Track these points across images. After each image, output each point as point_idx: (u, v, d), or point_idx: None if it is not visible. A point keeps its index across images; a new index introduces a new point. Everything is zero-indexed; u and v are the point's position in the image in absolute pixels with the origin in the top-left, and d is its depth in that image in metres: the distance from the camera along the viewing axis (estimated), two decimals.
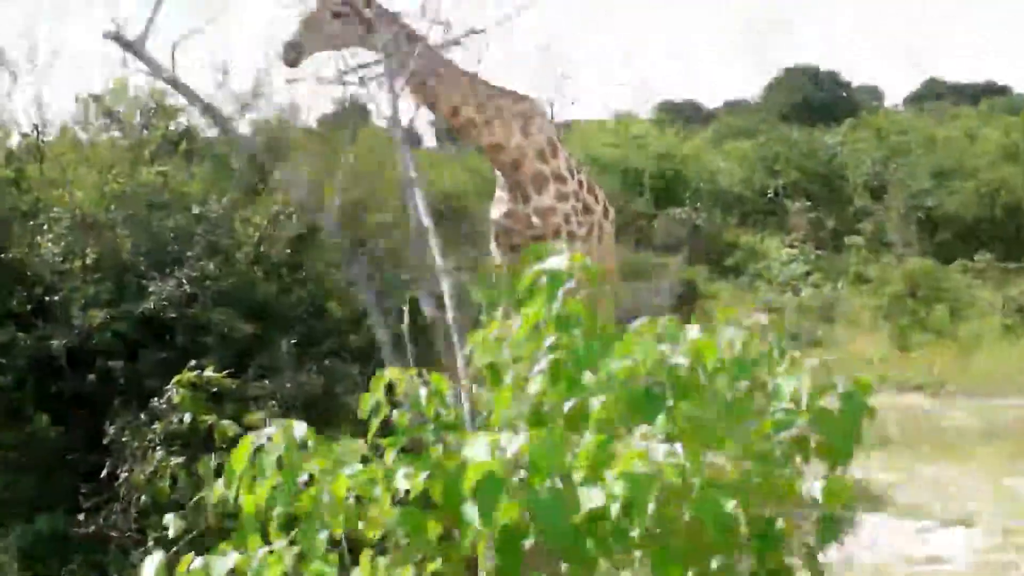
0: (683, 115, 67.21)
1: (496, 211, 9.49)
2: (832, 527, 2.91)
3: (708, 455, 2.51)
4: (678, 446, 2.42)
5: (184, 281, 7.89)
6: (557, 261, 2.96)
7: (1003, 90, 69.50)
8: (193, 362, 6.54)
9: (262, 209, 8.14)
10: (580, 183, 9.61)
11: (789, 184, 32.52)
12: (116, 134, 9.26)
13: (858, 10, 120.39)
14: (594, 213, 9.74)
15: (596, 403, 2.61)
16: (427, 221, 3.84)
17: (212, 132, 9.71)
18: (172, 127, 9.18)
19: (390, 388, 3.04)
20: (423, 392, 3.03)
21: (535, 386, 2.78)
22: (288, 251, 7.59)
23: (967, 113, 48.89)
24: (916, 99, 73.30)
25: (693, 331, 2.90)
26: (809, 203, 30.90)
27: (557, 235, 9.33)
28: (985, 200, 29.96)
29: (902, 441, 12.00)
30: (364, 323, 7.21)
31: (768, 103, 64.79)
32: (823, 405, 2.99)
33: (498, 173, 9.44)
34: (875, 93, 76.66)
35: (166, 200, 8.24)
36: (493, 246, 9.63)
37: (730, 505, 2.44)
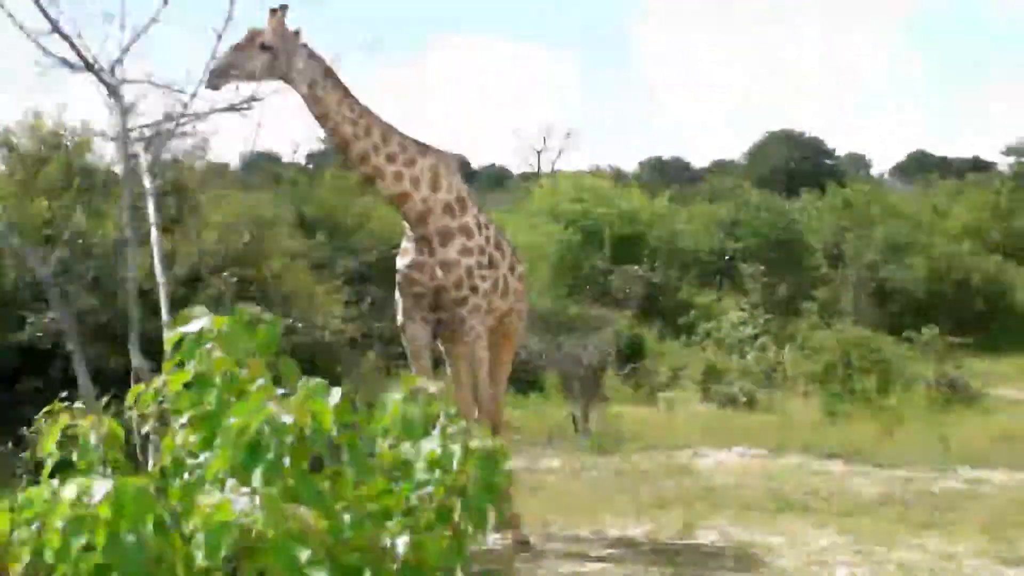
0: (668, 173, 67.84)
1: (401, 261, 9.76)
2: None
3: (300, 508, 2.72)
4: (257, 498, 2.64)
5: (62, 315, 8.10)
6: (198, 323, 3.19)
7: (987, 166, 70.08)
8: (64, 393, 6.76)
9: (147, 247, 8.33)
10: (487, 239, 9.90)
11: (747, 248, 32.93)
12: (15, 166, 9.47)
13: (858, 80, 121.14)
14: (499, 268, 10.02)
15: (209, 457, 2.84)
16: (160, 276, 4.08)
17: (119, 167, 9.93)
18: (74, 161, 9.39)
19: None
20: (93, 436, 3.26)
21: (179, 438, 3.01)
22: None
23: (946, 188, 49.34)
24: (902, 170, 73.96)
25: (335, 395, 3.11)
26: (763, 268, 31.30)
27: (459, 287, 9.61)
28: (936, 275, 30.36)
29: (798, 506, 12.24)
30: None
31: (750, 166, 65.35)
32: (461, 471, 3.18)
33: (405, 224, 9.70)
34: (861, 162, 77.20)
35: (52, 234, 8.47)
36: (397, 294, 9.89)
37: (304, 555, 2.65)
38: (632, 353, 24.83)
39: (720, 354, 25.79)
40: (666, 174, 67.74)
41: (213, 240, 7.53)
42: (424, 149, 9.70)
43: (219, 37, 9.23)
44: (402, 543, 2.93)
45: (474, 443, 3.25)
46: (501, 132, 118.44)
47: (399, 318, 9.88)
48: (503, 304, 10.10)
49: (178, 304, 7.35)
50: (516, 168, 67.55)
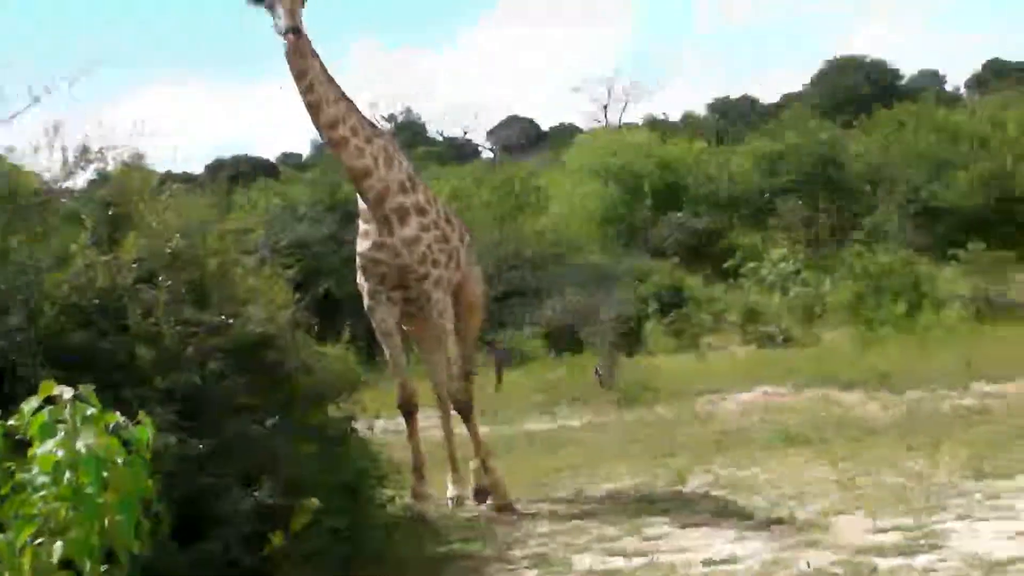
0: (736, 113, 66.88)
1: (363, 244, 10.00)
2: None
3: None
4: None
5: None
6: None
7: None
8: None
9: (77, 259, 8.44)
10: (439, 213, 10.15)
11: (788, 183, 32.73)
12: None
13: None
14: (451, 242, 10.27)
15: None
16: None
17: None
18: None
19: None
20: None
21: None
22: (98, 301, 8.00)
23: (1006, 97, 47.89)
24: (978, 82, 71.84)
25: None
26: (801, 202, 31.12)
27: (423, 263, 9.87)
28: (981, 190, 29.97)
29: (801, 440, 12.37)
30: (171, 367, 7.69)
31: (816, 96, 63.96)
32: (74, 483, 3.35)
33: (362, 207, 9.95)
34: (934, 78, 74.83)
35: None
36: (360, 279, 10.15)
37: None
38: (673, 302, 24.89)
39: (762, 294, 25.78)
40: (734, 114, 66.79)
41: (144, 248, 7.79)
42: (375, 129, 9.96)
43: None
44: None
45: (85, 445, 3.41)
46: (569, 88, 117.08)
47: (366, 302, 10.11)
48: (457, 276, 10.36)
49: (111, 315, 7.67)
50: (585, 124, 66.81)
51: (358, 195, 9.86)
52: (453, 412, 10.48)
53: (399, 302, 9.98)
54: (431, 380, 10.84)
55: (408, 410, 10.14)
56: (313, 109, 9.35)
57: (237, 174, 46.16)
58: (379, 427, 10.11)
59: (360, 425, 9.25)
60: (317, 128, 9.51)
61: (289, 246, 21.39)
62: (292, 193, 28.11)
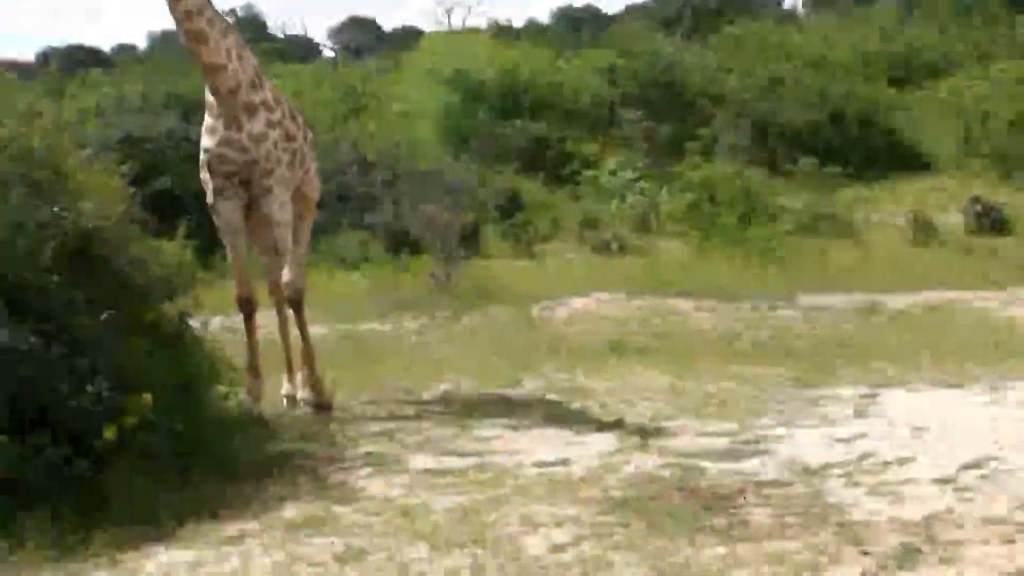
0: (580, 22, 66.79)
1: (209, 140, 9.82)
2: None
3: None
4: None
5: None
6: None
7: None
8: None
9: None
10: (283, 111, 10.03)
11: (628, 94, 32.99)
12: None
13: None
14: (296, 140, 10.17)
15: None
16: None
17: None
18: None
19: None
20: None
21: None
22: None
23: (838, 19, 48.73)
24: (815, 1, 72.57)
25: None
26: (641, 112, 31.42)
27: (268, 160, 9.76)
28: (812, 108, 30.66)
29: (633, 347, 12.62)
30: None
31: (660, 8, 64.18)
32: None
33: (209, 102, 9.75)
34: None
35: None
36: (205, 175, 9.97)
37: None
38: (512, 208, 24.99)
39: (599, 202, 26.03)
40: (578, 23, 66.69)
41: None
42: (229, 24, 9.78)
43: None
44: None
45: None
46: None
47: (210, 198, 9.97)
48: (300, 174, 10.28)
49: None
50: (427, 27, 66.03)
51: (207, 90, 9.65)
52: (288, 312, 10.41)
53: (243, 199, 9.85)
54: (268, 278, 10.75)
55: (247, 308, 10.05)
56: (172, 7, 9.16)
57: (70, 64, 44.76)
58: (216, 325, 10.04)
59: (196, 323, 9.17)
60: (175, 18, 9.29)
61: (124, 140, 21.06)
62: (128, 86, 27.35)
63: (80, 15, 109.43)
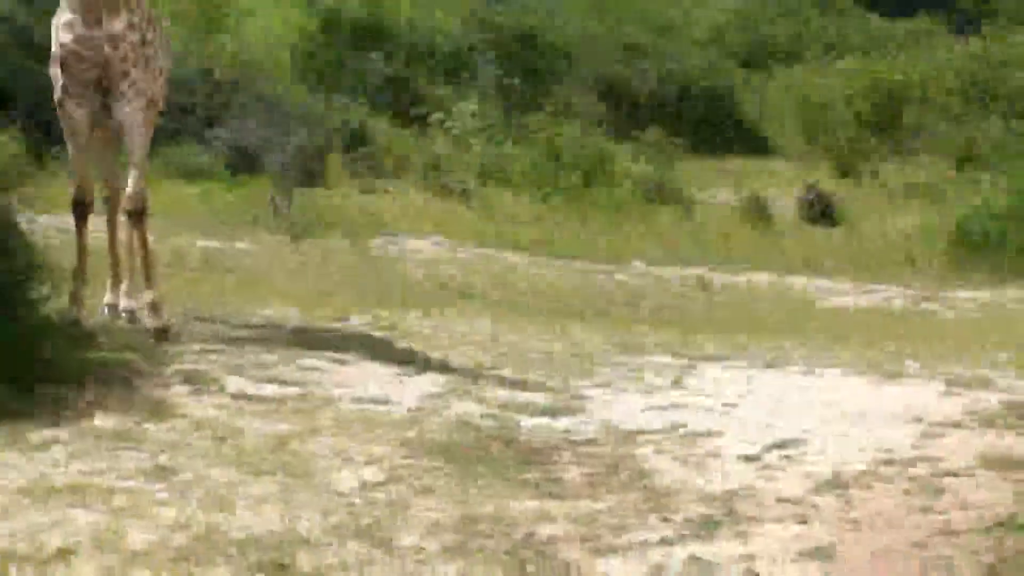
0: None
1: (65, 35, 9.46)
2: None
3: None
4: None
5: None
6: None
7: None
8: None
9: None
10: (143, 14, 9.75)
11: (485, 40, 32.89)
12: None
13: None
14: (152, 45, 9.90)
15: None
16: None
17: None
18: None
19: None
20: None
21: None
22: None
23: None
24: None
25: None
26: (495, 60, 31.37)
27: (124, 62, 9.47)
28: (666, 79, 31.03)
29: (464, 293, 12.70)
30: None
31: None
32: None
33: None
34: None
35: None
36: (56, 71, 9.64)
37: None
38: (359, 143, 24.79)
39: (447, 146, 25.96)
40: None
41: None
42: None
43: None
44: None
45: None
46: None
47: (57, 95, 9.65)
48: (154, 83, 10.02)
49: None
50: None
51: None
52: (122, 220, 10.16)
53: (95, 101, 9.56)
54: (109, 183, 10.44)
55: (82, 211, 9.78)
56: None
57: None
58: (44, 224, 9.78)
59: (22, 221, 8.92)
60: None
61: None
62: None
63: None
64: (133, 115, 9.66)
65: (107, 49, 9.39)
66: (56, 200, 10.03)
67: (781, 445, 7.56)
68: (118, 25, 9.41)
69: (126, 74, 9.52)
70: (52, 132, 9.82)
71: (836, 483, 6.89)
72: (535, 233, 17.65)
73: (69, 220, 9.99)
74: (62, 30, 9.49)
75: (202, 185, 19.11)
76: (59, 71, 9.56)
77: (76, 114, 9.57)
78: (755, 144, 30.87)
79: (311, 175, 20.30)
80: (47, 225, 10.38)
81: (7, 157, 9.53)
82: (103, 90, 9.56)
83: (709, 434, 7.79)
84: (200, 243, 14.35)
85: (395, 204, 20.58)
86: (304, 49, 31.28)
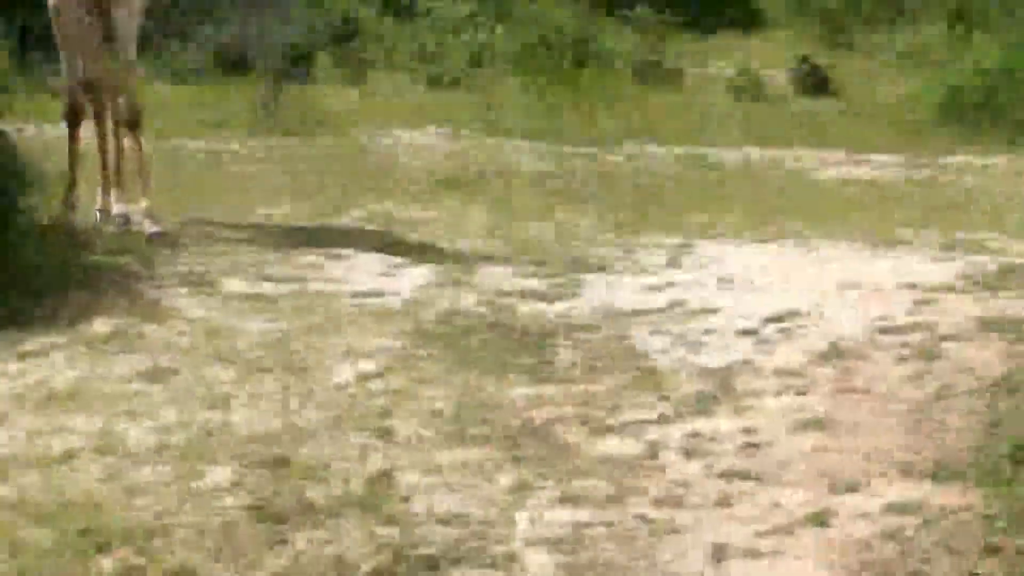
0: None
1: None
2: None
3: None
4: None
5: None
6: None
7: None
8: None
9: None
10: None
11: None
12: None
13: None
14: None
15: None
16: None
17: None
18: None
19: None
20: None
21: None
22: None
23: None
24: None
25: None
26: None
27: None
28: None
29: (460, 183, 12.61)
30: None
31: None
32: None
33: None
34: None
35: None
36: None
37: None
38: (346, 35, 24.50)
39: (434, 34, 25.66)
40: None
41: None
42: None
43: None
44: None
45: None
46: None
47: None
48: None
49: None
50: None
51: None
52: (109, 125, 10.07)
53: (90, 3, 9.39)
54: (99, 85, 10.29)
55: (75, 118, 9.72)
56: None
57: None
58: (32, 133, 9.71)
59: (9, 129, 8.87)
60: None
61: None
62: None
63: None
64: (131, 17, 9.52)
65: None
66: (43, 108, 9.94)
67: (778, 318, 7.58)
68: None
69: None
70: (34, 38, 9.67)
71: (833, 353, 6.93)
72: (528, 119, 17.46)
73: (56, 129, 9.93)
74: None
75: (191, 86, 18.95)
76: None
77: (75, 18, 9.39)
78: (744, 17, 30.35)
79: (299, 70, 20.10)
80: (35, 134, 10.30)
81: None
82: None
83: (705, 311, 7.81)
84: (191, 144, 14.25)
85: (385, 96, 20.41)
86: None
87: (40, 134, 11.28)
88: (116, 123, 10.03)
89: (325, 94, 19.67)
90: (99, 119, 10.27)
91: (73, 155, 9.83)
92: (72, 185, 9.76)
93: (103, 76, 10.28)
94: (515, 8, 26.50)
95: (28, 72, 14.71)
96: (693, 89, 21.86)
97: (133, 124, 9.86)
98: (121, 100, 9.83)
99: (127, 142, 9.99)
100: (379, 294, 8.13)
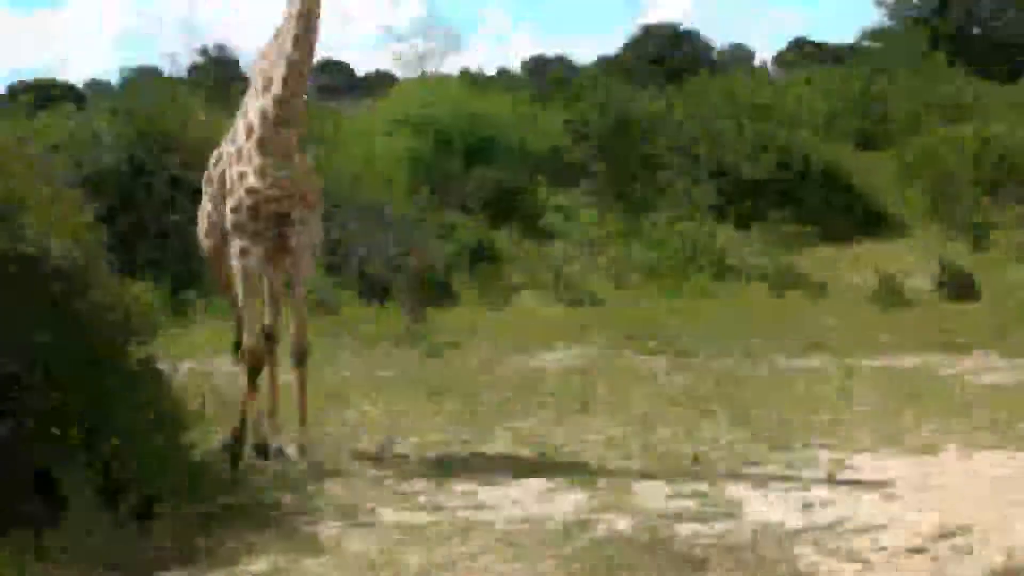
0: (551, 70, 67.28)
1: (259, 181, 9.43)
2: None
3: None
4: None
5: None
6: None
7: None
8: None
9: None
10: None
11: (589, 145, 32.99)
12: None
13: None
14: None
15: None
16: None
17: None
18: None
19: None
20: None
21: None
22: None
23: (807, 75, 49.01)
24: (784, 60, 73.46)
25: None
26: (604, 165, 31.44)
27: (303, 198, 9.69)
28: (780, 166, 30.61)
29: (603, 398, 12.56)
30: None
31: (627, 62, 64.95)
32: None
33: (260, 137, 9.41)
34: (743, 53, 76.78)
35: None
36: (243, 217, 9.55)
37: None
38: (483, 257, 24.96)
39: (571, 254, 26.00)
40: (548, 73, 67.09)
41: None
42: None
43: None
44: None
45: None
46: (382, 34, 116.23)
47: (242, 243, 9.57)
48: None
49: None
50: (401, 73, 66.39)
51: (257, 125, 9.41)
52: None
53: (269, 236, 9.62)
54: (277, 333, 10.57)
55: (256, 368, 9.77)
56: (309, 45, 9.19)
57: (41, 98, 44.51)
58: (184, 370, 9.93)
59: (164, 367, 9.09)
60: (310, 60, 9.34)
61: (93, 175, 20.83)
62: (98, 120, 27.08)
63: (54, 49, 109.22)
64: (310, 235, 9.73)
65: (301, 184, 9.61)
66: (195, 345, 10.19)
67: (949, 535, 7.32)
68: (307, 158, 9.88)
69: (313, 203, 9.76)
70: (188, 280, 9.97)
71: (1009, 571, 6.64)
72: (669, 334, 17.44)
73: (208, 363, 10.13)
74: (253, 176, 9.44)
75: (336, 315, 19.27)
76: (243, 217, 9.54)
77: (255, 262, 9.56)
78: (877, 224, 30.23)
79: (440, 294, 20.45)
80: (186, 370, 10.54)
81: (142, 306, 9.68)
82: (280, 220, 9.61)
83: (870, 528, 7.59)
84: (338, 372, 14.45)
85: (525, 317, 20.56)
86: (417, 168, 31.60)
87: (195, 367, 11.52)
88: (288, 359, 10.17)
89: (465, 317, 19.92)
90: (270, 359, 10.41)
91: (249, 404, 9.88)
92: (243, 427, 9.86)
93: (271, 314, 10.52)
94: (649, 225, 26.86)
95: (181, 306, 15.18)
96: (832, 297, 21.62)
97: (301, 360, 10.02)
98: (293, 335, 10.01)
99: (293, 377, 10.11)
100: (535, 520, 8.04)
